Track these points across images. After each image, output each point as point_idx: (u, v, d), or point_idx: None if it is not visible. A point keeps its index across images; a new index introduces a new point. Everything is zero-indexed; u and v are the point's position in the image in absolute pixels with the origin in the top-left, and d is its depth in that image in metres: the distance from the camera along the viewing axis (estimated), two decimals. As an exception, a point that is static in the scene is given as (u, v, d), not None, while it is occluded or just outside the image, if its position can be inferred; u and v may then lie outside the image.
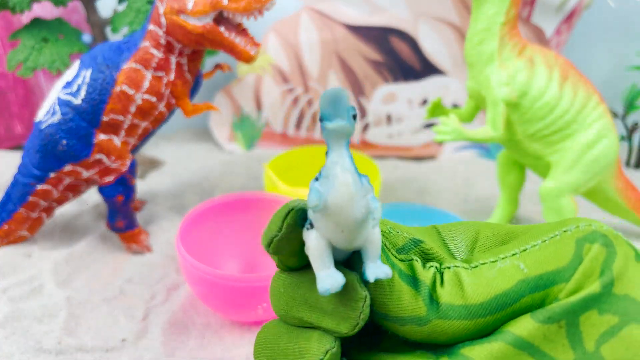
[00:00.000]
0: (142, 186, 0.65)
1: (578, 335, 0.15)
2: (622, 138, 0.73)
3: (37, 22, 0.60)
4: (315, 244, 0.15)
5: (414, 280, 0.17)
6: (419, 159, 0.77)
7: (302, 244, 0.16)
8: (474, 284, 0.16)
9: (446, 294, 0.16)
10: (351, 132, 0.14)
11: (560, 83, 0.45)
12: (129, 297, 0.46)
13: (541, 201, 0.49)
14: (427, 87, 0.74)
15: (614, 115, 0.71)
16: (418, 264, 0.17)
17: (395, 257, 0.17)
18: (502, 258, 0.17)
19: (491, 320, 0.16)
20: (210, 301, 0.41)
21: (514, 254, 0.17)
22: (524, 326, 0.16)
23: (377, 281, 0.16)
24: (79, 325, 0.42)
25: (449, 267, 0.17)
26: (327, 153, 0.15)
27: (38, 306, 0.44)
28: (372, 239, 0.16)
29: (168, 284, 0.48)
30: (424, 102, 0.74)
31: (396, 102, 0.75)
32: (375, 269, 0.15)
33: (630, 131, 0.73)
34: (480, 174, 0.71)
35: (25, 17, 0.67)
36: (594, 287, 0.16)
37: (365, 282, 0.16)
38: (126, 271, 0.49)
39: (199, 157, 0.76)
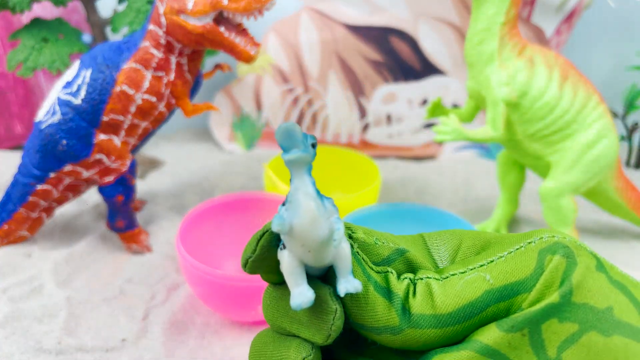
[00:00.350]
0: (142, 186, 0.65)
1: (540, 342, 0.16)
2: (622, 138, 0.73)
3: (37, 22, 0.60)
4: (287, 263, 0.17)
5: (387, 292, 0.18)
6: (419, 159, 0.77)
7: (278, 262, 0.18)
8: (443, 294, 0.17)
9: (417, 305, 0.17)
10: (308, 160, 0.16)
11: (560, 83, 0.45)
12: (129, 297, 0.46)
13: (541, 201, 0.49)
14: (427, 87, 0.74)
15: (614, 115, 0.71)
16: (393, 276, 0.18)
17: (372, 269, 0.18)
18: (471, 269, 0.18)
19: (460, 329, 0.17)
20: (210, 301, 0.41)
21: (481, 265, 0.18)
22: (490, 335, 0.17)
23: (352, 294, 0.17)
24: (79, 325, 0.42)
25: (421, 279, 0.18)
26: (290, 180, 0.16)
27: (38, 306, 0.44)
28: (341, 256, 0.17)
29: (168, 284, 0.48)
30: (424, 102, 0.74)
31: (396, 102, 0.75)
32: (346, 284, 0.17)
33: (630, 131, 0.74)
34: (480, 174, 0.71)
35: (25, 17, 0.67)
36: (553, 297, 0.16)
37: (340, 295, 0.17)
38: (126, 271, 0.49)
39: (199, 157, 0.76)
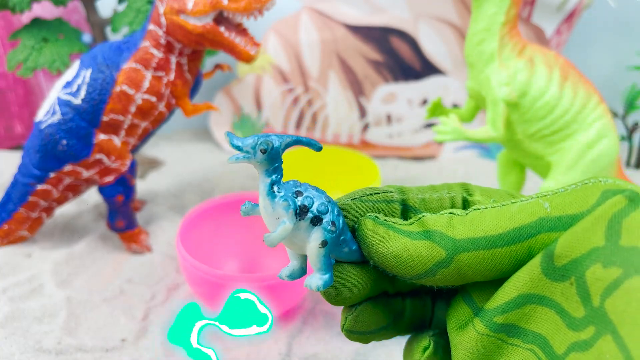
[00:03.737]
0: (142, 186, 0.65)
1: (586, 290, 0.15)
2: (622, 138, 0.73)
3: (37, 22, 0.60)
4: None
5: (426, 233, 0.17)
6: (419, 159, 0.77)
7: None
8: (497, 218, 0.17)
9: (465, 229, 0.17)
10: (255, 163, 0.17)
11: (560, 83, 0.45)
12: (129, 297, 0.46)
13: (541, 201, 0.49)
14: (427, 87, 0.74)
15: (614, 115, 0.71)
16: (427, 217, 0.18)
17: (403, 224, 0.18)
18: (530, 196, 0.17)
19: (509, 253, 0.17)
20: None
21: (545, 195, 0.17)
22: (535, 284, 0.16)
23: (394, 254, 0.17)
24: (79, 325, 0.42)
25: (478, 209, 0.18)
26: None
27: (38, 306, 0.44)
28: (308, 252, 0.17)
29: (168, 284, 0.48)
30: (424, 102, 0.74)
31: (396, 102, 0.75)
32: (309, 278, 0.17)
33: (630, 131, 0.73)
34: (480, 174, 0.71)
35: (25, 17, 0.67)
36: (597, 240, 0.15)
37: (373, 256, 0.18)
38: (126, 271, 0.49)
39: (199, 157, 0.76)
